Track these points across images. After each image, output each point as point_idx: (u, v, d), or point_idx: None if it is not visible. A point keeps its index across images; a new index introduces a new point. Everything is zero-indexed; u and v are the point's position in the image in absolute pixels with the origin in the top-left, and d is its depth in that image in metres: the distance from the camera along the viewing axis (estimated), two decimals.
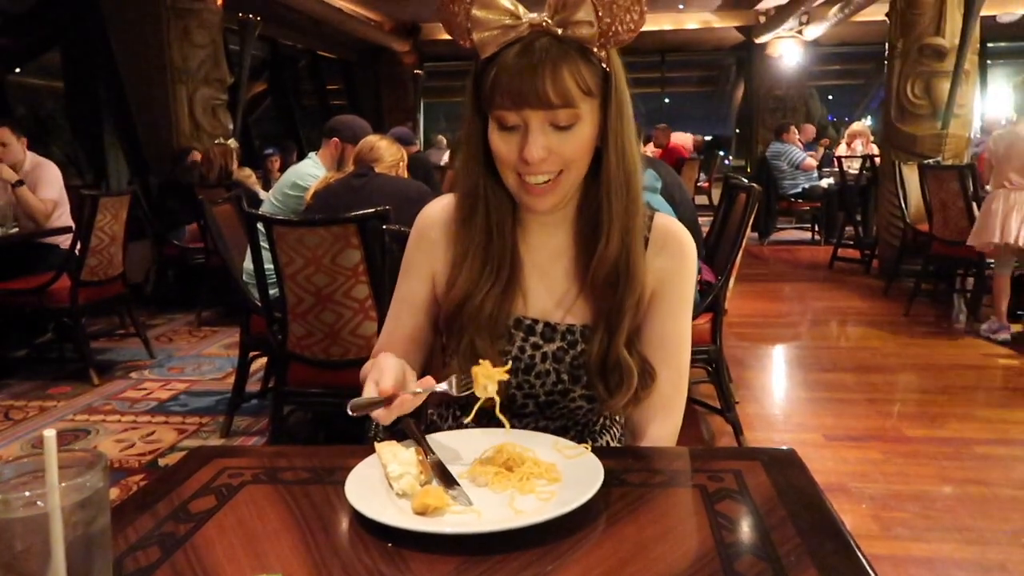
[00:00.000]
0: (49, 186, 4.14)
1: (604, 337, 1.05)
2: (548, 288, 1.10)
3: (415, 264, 1.15)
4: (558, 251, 1.10)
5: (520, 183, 1.00)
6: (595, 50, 0.97)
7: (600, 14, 0.94)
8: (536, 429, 1.11)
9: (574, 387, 1.08)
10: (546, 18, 0.95)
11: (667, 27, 11.14)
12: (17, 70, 6.73)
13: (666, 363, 1.09)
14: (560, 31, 0.95)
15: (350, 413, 0.89)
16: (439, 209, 1.14)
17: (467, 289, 1.06)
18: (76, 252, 3.82)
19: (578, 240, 1.08)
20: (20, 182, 3.98)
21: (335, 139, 3.34)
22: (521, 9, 0.97)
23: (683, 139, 10.44)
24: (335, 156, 3.33)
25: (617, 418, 1.23)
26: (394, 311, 1.17)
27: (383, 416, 0.89)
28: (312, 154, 3.43)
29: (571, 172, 1.00)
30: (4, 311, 3.93)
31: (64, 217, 4.20)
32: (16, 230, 4.02)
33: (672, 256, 1.09)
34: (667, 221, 1.11)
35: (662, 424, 1.10)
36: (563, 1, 0.95)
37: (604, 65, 0.98)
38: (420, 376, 0.99)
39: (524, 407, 1.11)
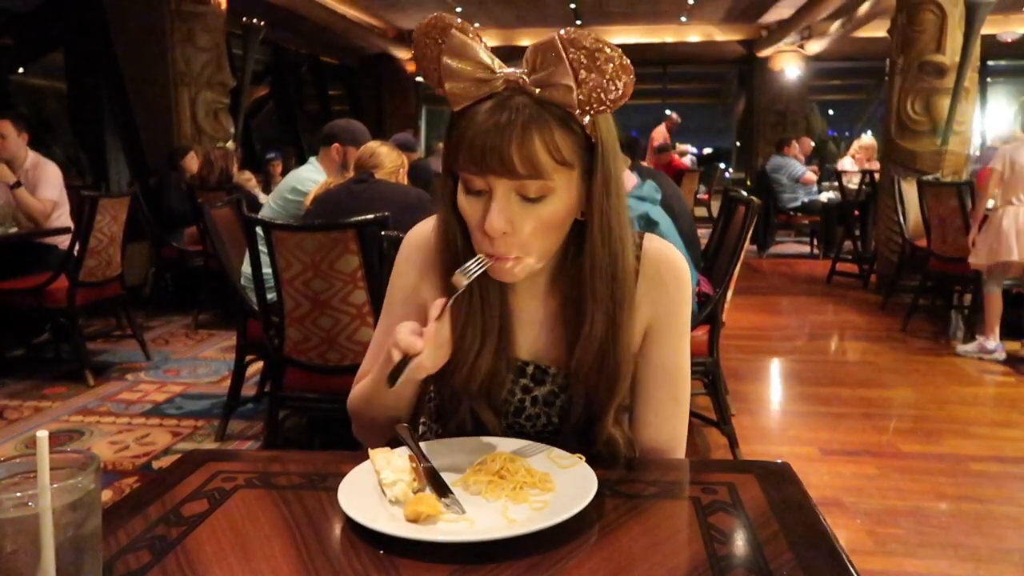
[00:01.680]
0: (49, 186, 4.14)
1: (583, 413, 1.00)
2: (535, 331, 1.03)
3: (402, 292, 1.08)
4: (545, 298, 1.03)
5: (483, 257, 0.92)
6: (578, 115, 0.86)
7: (581, 78, 0.84)
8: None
9: (564, 425, 1.05)
10: (523, 75, 0.86)
11: (669, 39, 11.20)
12: (20, 70, 6.74)
13: (669, 395, 1.04)
14: (537, 91, 0.85)
15: (390, 387, 0.88)
16: (424, 236, 1.07)
17: (455, 354, 0.97)
18: (75, 253, 3.82)
19: (565, 293, 1.00)
20: (18, 183, 3.98)
21: (336, 144, 3.34)
22: (496, 63, 0.87)
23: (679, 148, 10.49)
24: (337, 161, 3.33)
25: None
26: (380, 340, 1.09)
27: (425, 358, 0.87)
28: (312, 159, 3.43)
29: (531, 255, 0.91)
30: (1, 311, 3.93)
31: (63, 217, 4.20)
32: (15, 230, 4.01)
33: (668, 287, 1.01)
34: (659, 247, 1.03)
35: (660, 448, 1.07)
36: (540, 60, 0.85)
37: (589, 133, 0.89)
38: (413, 412, 0.98)
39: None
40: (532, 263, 0.92)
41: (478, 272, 0.91)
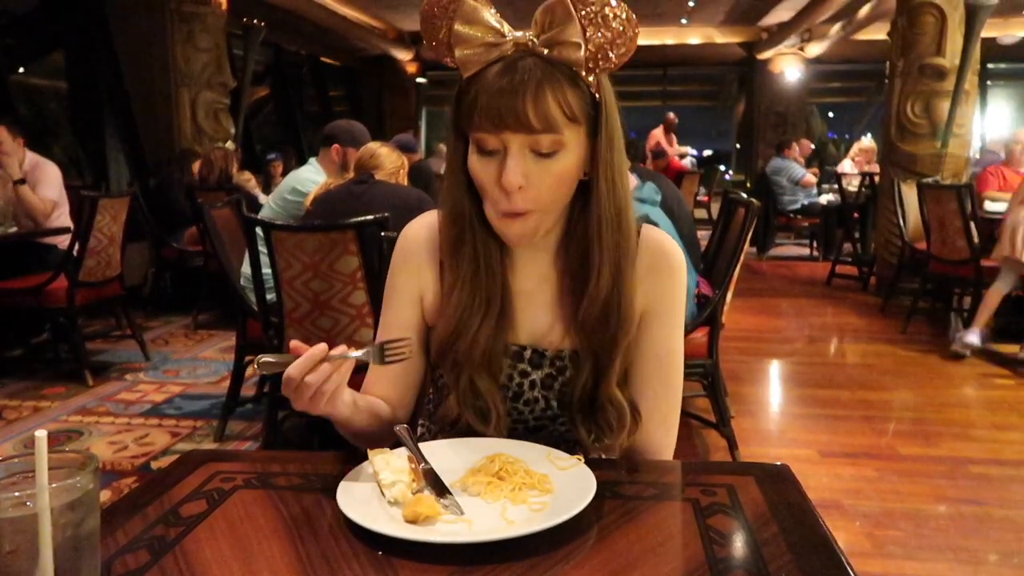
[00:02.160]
0: (49, 186, 4.14)
1: (592, 374, 1.01)
2: (535, 314, 1.05)
3: (401, 289, 1.09)
4: (545, 277, 1.05)
5: (495, 217, 0.95)
6: (584, 74, 0.91)
7: (588, 35, 0.88)
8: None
9: (563, 413, 1.05)
10: (532, 37, 0.90)
11: (669, 41, 11.20)
12: (21, 70, 6.74)
13: (662, 381, 1.06)
14: (546, 51, 0.89)
15: (260, 371, 0.88)
16: (423, 229, 1.09)
17: (457, 323, 1.00)
18: (74, 253, 3.81)
19: (565, 269, 1.03)
20: (21, 180, 3.98)
21: (336, 145, 3.34)
22: (506, 27, 0.91)
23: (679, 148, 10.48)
24: (337, 162, 3.34)
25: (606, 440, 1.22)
26: (382, 338, 1.10)
27: (291, 370, 0.85)
28: (313, 160, 3.43)
29: (545, 211, 0.95)
30: (1, 310, 3.92)
31: (63, 217, 4.20)
32: (15, 229, 4.01)
33: (662, 273, 1.04)
34: (656, 235, 1.07)
35: (654, 436, 1.07)
36: (549, 20, 0.89)
37: (594, 91, 0.93)
38: (412, 413, 0.99)
39: (513, 431, 1.08)
40: (545, 219, 0.96)
41: (394, 360, 0.92)
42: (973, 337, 4.23)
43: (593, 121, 0.94)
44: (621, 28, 0.89)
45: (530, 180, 0.91)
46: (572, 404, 1.03)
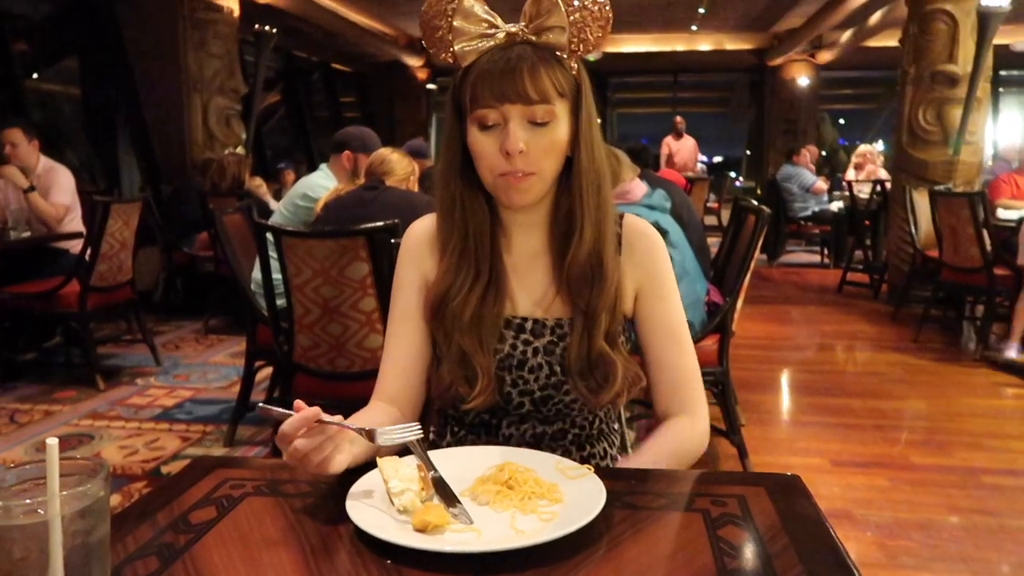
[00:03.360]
0: (61, 191, 4.17)
1: (584, 333, 1.09)
2: (530, 288, 1.14)
3: (406, 279, 1.17)
4: (536, 252, 1.14)
5: (497, 179, 1.04)
6: (567, 58, 1.04)
7: (572, 19, 1.02)
8: (533, 435, 1.13)
9: (566, 378, 1.10)
10: (522, 27, 1.04)
11: (680, 48, 11.19)
12: (35, 76, 6.80)
13: (680, 349, 1.14)
14: (535, 38, 1.03)
15: (258, 411, 0.89)
16: (424, 226, 1.18)
17: (447, 286, 1.10)
18: (86, 257, 3.84)
19: (554, 240, 1.13)
20: (31, 188, 4.01)
21: (347, 151, 3.35)
22: (499, 20, 1.05)
23: (687, 154, 10.41)
24: (348, 168, 3.34)
25: (615, 426, 1.24)
26: (392, 331, 1.17)
27: (285, 426, 0.86)
28: (324, 166, 3.44)
29: (543, 173, 1.05)
30: (13, 314, 3.95)
31: (75, 222, 4.23)
32: (28, 234, 4.04)
33: (645, 250, 1.15)
34: (635, 220, 1.17)
35: (690, 410, 1.14)
36: (537, 9, 1.03)
37: (575, 75, 1.06)
38: (421, 420, 1.02)
39: (520, 406, 1.12)
40: (541, 182, 1.06)
41: (398, 440, 0.91)
42: (1012, 352, 4.21)
43: (576, 100, 1.06)
44: (597, 11, 1.03)
45: (529, 146, 1.02)
46: (572, 367, 1.09)
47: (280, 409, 0.88)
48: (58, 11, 6.31)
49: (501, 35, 1.03)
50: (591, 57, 1.08)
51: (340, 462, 0.89)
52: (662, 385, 1.14)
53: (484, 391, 1.07)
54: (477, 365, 1.08)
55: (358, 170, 3.30)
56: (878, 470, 2.93)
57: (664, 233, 2.51)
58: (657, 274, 1.15)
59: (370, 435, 0.91)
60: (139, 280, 4.39)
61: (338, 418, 0.90)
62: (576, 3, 1.02)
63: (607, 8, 1.03)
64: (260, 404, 0.89)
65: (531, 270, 1.14)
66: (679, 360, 1.14)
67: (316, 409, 0.87)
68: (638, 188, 2.81)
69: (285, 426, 0.86)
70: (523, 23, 1.04)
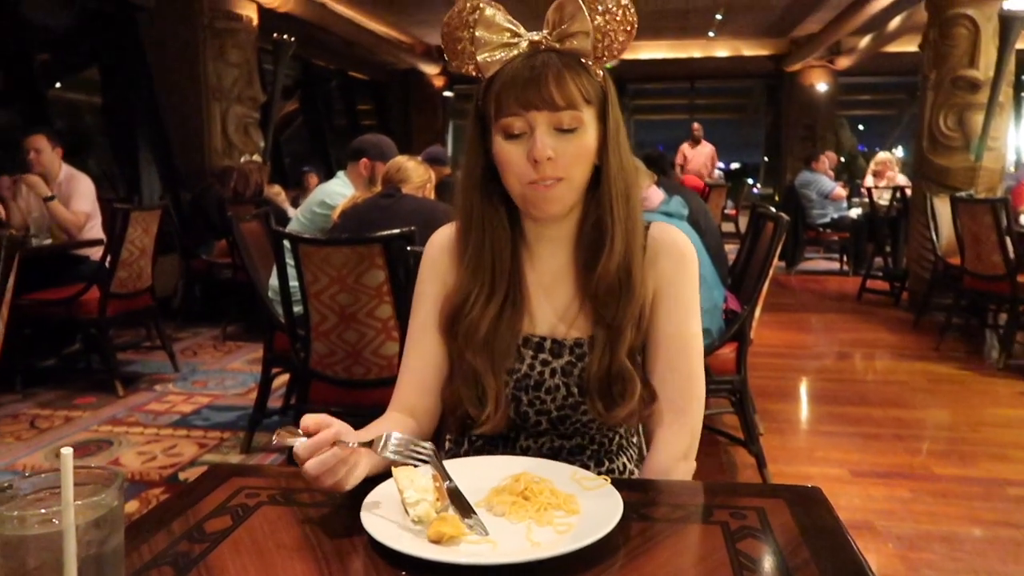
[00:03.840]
0: (83, 198, 4.21)
1: (606, 347, 1.06)
2: (553, 305, 1.11)
3: (426, 290, 1.15)
4: (561, 268, 1.11)
5: (526, 188, 1.02)
6: (591, 64, 1.02)
7: (595, 24, 1.00)
8: (551, 448, 1.11)
9: (584, 399, 1.07)
10: (545, 34, 1.02)
11: (697, 55, 11.17)
12: (58, 85, 6.89)
13: (671, 366, 1.09)
14: (558, 45, 1.01)
15: (273, 441, 0.88)
16: (445, 236, 1.16)
17: (460, 300, 1.08)
18: (107, 264, 3.88)
19: (579, 254, 1.10)
20: (51, 197, 4.06)
21: (364, 159, 3.36)
22: (521, 28, 1.03)
23: (701, 161, 10.36)
24: (365, 175, 3.36)
25: (633, 439, 1.22)
26: (411, 341, 1.16)
27: (300, 449, 0.85)
28: (341, 173, 3.45)
29: (572, 180, 1.03)
30: (34, 321, 3.99)
31: (96, 229, 4.27)
32: (49, 241, 4.09)
33: (671, 259, 1.10)
34: (665, 228, 1.13)
35: (671, 429, 1.07)
36: (560, 16, 1.01)
37: (600, 82, 1.04)
38: (437, 430, 1.01)
39: (537, 424, 1.10)
40: (569, 190, 1.04)
41: (399, 456, 0.89)
42: None
43: (602, 107, 1.04)
44: (621, 15, 1.01)
45: (557, 152, 1.00)
46: (591, 386, 1.06)
47: (293, 439, 0.86)
48: (80, 22, 6.40)
49: (524, 44, 1.02)
50: (608, 64, 1.06)
51: (356, 478, 0.89)
52: (666, 376, 1.08)
53: (493, 417, 1.05)
54: (487, 386, 1.06)
55: (375, 178, 3.31)
56: (900, 481, 2.89)
57: None
58: (678, 283, 1.10)
59: (372, 445, 0.89)
60: (158, 287, 4.42)
61: (354, 437, 0.88)
62: (600, 7, 1.00)
63: (631, 12, 1.01)
64: (274, 438, 0.88)
65: (555, 286, 1.11)
66: (682, 364, 1.08)
67: (333, 432, 0.86)
68: (655, 195, 2.79)
69: (298, 449, 0.86)
70: (546, 31, 1.02)
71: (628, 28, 1.02)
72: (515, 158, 1.01)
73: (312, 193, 3.48)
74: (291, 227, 3.25)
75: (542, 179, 1.00)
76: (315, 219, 3.24)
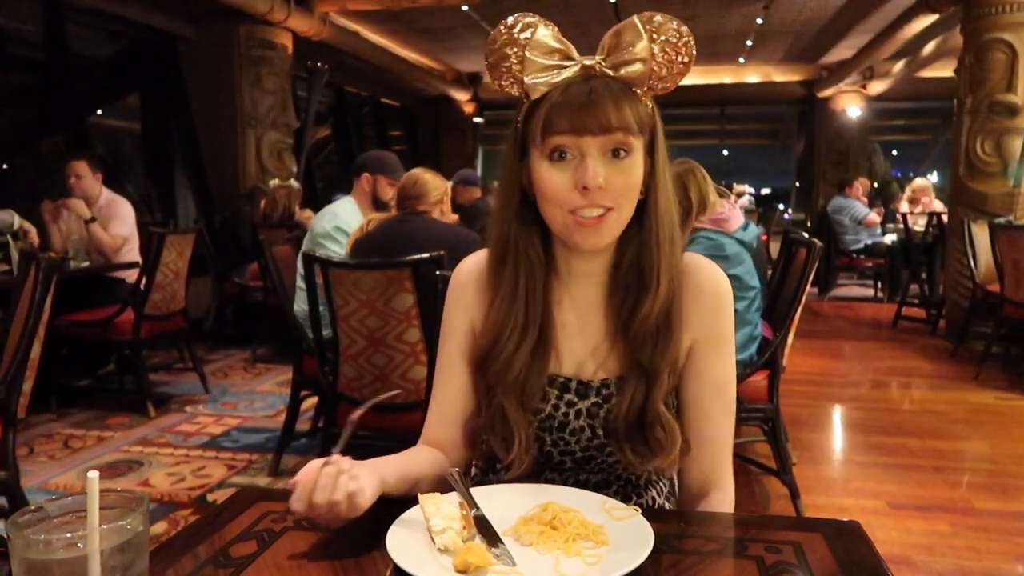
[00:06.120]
0: (121, 222, 4.30)
1: (640, 391, 1.01)
2: (582, 344, 1.07)
3: (454, 324, 1.12)
4: (591, 305, 1.07)
5: (569, 219, 0.97)
6: (643, 93, 0.98)
7: (654, 53, 0.96)
8: (576, 483, 1.08)
9: (610, 441, 1.04)
10: (600, 60, 0.97)
11: (727, 80, 11.14)
12: (99, 112, 7.08)
13: (724, 410, 1.05)
14: (612, 72, 0.96)
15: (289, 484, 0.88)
16: (473, 264, 1.12)
17: (493, 341, 1.04)
18: (141, 286, 3.94)
19: (614, 293, 1.05)
20: (92, 219, 4.15)
21: (365, 173, 3.38)
22: (574, 51, 0.98)
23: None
24: (368, 191, 3.37)
25: (665, 472, 1.19)
26: (439, 375, 1.13)
27: (294, 504, 0.86)
28: (346, 198, 3.43)
29: (621, 210, 0.98)
30: (70, 342, 4.06)
31: (132, 252, 4.35)
32: (87, 264, 4.17)
33: (711, 301, 1.05)
34: (701, 265, 1.07)
35: (722, 484, 1.06)
36: (618, 42, 0.96)
37: (651, 112, 1.00)
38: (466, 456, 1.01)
39: (562, 463, 1.08)
40: (617, 221, 0.98)
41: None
42: None
43: (651, 140, 1.00)
44: (684, 47, 0.96)
45: (608, 180, 0.95)
46: (618, 429, 1.02)
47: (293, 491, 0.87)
48: (121, 51, 6.58)
49: (576, 68, 0.96)
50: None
51: (367, 499, 0.87)
52: (701, 450, 1.05)
53: (520, 460, 1.02)
54: (515, 428, 1.02)
55: (377, 192, 3.31)
56: (939, 514, 2.81)
57: (737, 263, 2.42)
58: (718, 327, 1.05)
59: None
60: (191, 308, 4.48)
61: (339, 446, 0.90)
62: (661, 37, 0.96)
63: (691, 45, 0.97)
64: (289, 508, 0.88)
65: (585, 324, 1.07)
66: (719, 416, 1.05)
67: (317, 464, 0.87)
68: (736, 218, 2.62)
69: (294, 504, 0.86)
70: (600, 56, 0.97)
71: (686, 60, 0.97)
72: (560, 183, 0.96)
73: (321, 223, 3.28)
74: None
75: (591, 206, 0.95)
76: (336, 248, 3.17)
